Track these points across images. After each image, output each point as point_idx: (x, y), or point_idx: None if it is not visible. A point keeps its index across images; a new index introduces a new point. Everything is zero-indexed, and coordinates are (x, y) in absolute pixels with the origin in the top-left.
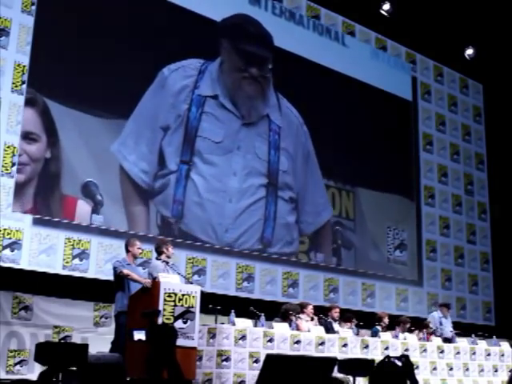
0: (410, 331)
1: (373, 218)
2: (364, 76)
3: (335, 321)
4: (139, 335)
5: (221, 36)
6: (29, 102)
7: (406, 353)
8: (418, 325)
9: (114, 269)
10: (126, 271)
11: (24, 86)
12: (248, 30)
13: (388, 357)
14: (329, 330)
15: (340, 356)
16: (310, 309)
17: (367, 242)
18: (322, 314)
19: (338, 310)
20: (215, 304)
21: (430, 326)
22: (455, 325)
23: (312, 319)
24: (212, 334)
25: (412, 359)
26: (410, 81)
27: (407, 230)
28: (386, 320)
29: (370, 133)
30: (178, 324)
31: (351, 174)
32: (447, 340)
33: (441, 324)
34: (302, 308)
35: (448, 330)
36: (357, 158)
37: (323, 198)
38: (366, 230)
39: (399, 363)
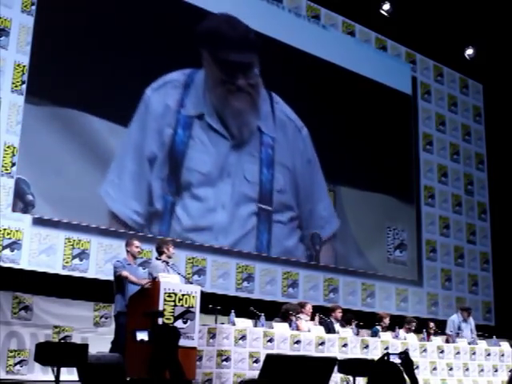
0: (416, 332)
1: (356, 220)
2: (361, 68)
3: (338, 321)
4: (142, 335)
5: (199, 46)
6: None
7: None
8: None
9: (114, 269)
10: (124, 273)
11: (24, 85)
12: (227, 34)
13: (387, 354)
14: (329, 330)
15: (340, 356)
16: (308, 308)
17: (350, 248)
18: (323, 314)
19: (340, 310)
20: (215, 304)
21: (447, 330)
22: None
23: (312, 319)
24: (212, 334)
25: (412, 359)
26: (408, 72)
27: (407, 230)
28: (387, 320)
29: (362, 128)
30: (178, 324)
31: (333, 171)
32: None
33: (459, 328)
34: (300, 308)
35: (468, 333)
36: (340, 155)
37: (326, 209)
38: (348, 233)
39: (398, 360)
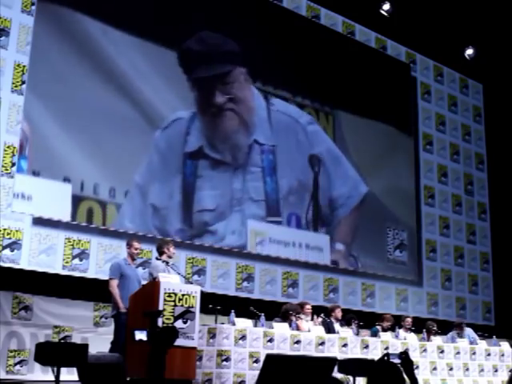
0: (416, 332)
1: (356, 145)
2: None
3: (338, 321)
4: (141, 335)
5: (181, 66)
6: None
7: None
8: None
9: (109, 272)
10: (113, 287)
11: (24, 86)
12: (198, 52)
13: (387, 354)
14: (330, 330)
15: (340, 356)
16: (306, 308)
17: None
18: (323, 314)
19: (340, 309)
20: (215, 304)
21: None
22: None
23: (312, 319)
24: (212, 334)
25: (412, 359)
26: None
27: (407, 229)
28: (388, 323)
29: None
30: (178, 324)
31: (332, 93)
32: None
33: None
34: (300, 308)
35: None
36: (341, 78)
37: (348, 181)
38: (348, 159)
39: (398, 360)
